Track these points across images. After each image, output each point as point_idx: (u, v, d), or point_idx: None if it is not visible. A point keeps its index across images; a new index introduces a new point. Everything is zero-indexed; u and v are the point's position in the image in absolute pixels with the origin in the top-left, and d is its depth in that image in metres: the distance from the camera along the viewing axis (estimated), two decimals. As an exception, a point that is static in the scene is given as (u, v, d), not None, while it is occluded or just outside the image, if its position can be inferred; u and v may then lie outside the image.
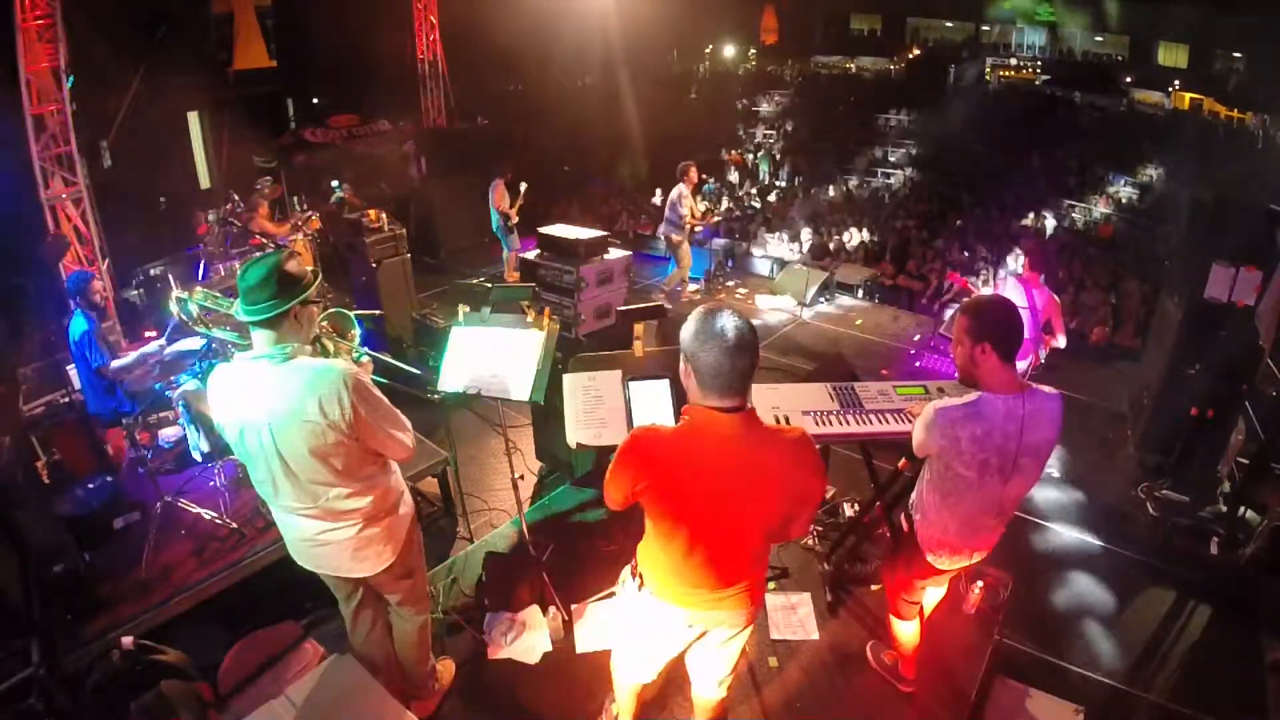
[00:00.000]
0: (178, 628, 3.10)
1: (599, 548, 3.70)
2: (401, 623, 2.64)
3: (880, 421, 2.83)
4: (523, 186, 7.56)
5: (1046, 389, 2.20)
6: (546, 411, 3.79)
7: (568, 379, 2.94)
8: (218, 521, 3.48)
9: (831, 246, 9.38)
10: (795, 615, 3.37)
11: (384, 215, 6.15)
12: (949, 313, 6.62)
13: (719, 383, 1.71)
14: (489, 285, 5.21)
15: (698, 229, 7.26)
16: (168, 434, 4.32)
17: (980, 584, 3.39)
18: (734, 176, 13.67)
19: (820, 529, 3.90)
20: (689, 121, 16.31)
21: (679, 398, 2.68)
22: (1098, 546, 3.98)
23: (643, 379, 2.88)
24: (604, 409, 2.85)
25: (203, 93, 9.40)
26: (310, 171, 10.02)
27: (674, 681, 2.76)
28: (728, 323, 1.68)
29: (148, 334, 5.68)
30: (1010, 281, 4.58)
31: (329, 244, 7.52)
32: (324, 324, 2.41)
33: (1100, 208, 12.10)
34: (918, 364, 6.26)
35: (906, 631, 2.81)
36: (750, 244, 9.42)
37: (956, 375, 2.35)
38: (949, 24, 23.98)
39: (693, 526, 1.84)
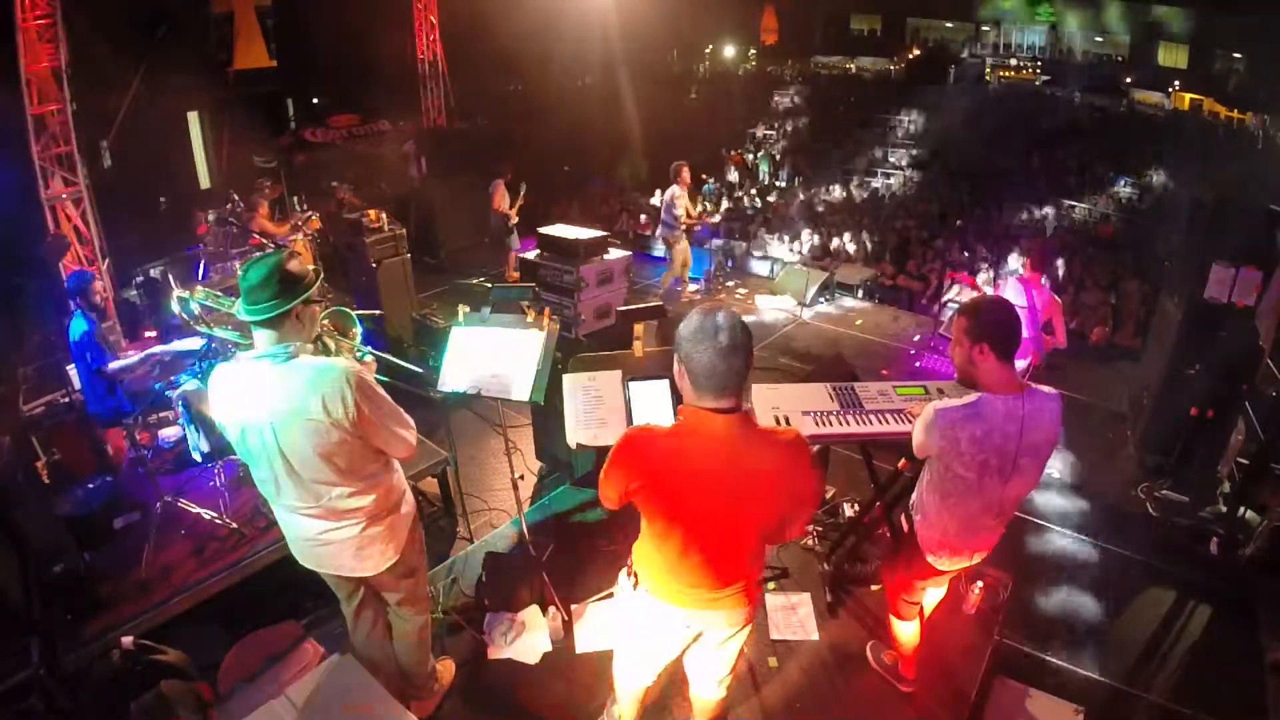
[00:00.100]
0: (178, 628, 3.10)
1: (599, 548, 3.70)
2: (401, 623, 2.63)
3: (880, 422, 2.83)
4: (522, 187, 7.56)
5: (1046, 389, 2.20)
6: (546, 411, 3.79)
7: (568, 379, 2.94)
8: (218, 521, 3.48)
9: (832, 247, 9.38)
10: (795, 615, 3.36)
11: (384, 215, 6.15)
12: (947, 313, 6.62)
13: (712, 384, 1.71)
14: (489, 285, 5.21)
15: (695, 228, 7.27)
16: (168, 434, 4.32)
17: (980, 584, 3.39)
18: (734, 176, 13.67)
19: (820, 529, 3.90)
20: (689, 121, 16.32)
21: (679, 398, 2.68)
22: (1098, 547, 3.98)
23: (643, 379, 2.88)
24: (604, 409, 2.85)
25: (203, 93, 9.41)
26: (310, 171, 10.02)
27: (674, 682, 2.76)
28: (721, 323, 1.68)
29: (147, 334, 5.69)
30: (1010, 281, 4.58)
31: (329, 244, 7.52)
32: (325, 322, 2.41)
33: (1100, 207, 12.10)
34: (918, 364, 6.25)
35: (906, 632, 2.81)
36: (750, 244, 9.42)
37: (955, 376, 2.36)
38: (949, 24, 23.98)
39: (686, 527, 1.84)
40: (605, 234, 4.18)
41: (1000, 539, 2.47)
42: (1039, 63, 22.00)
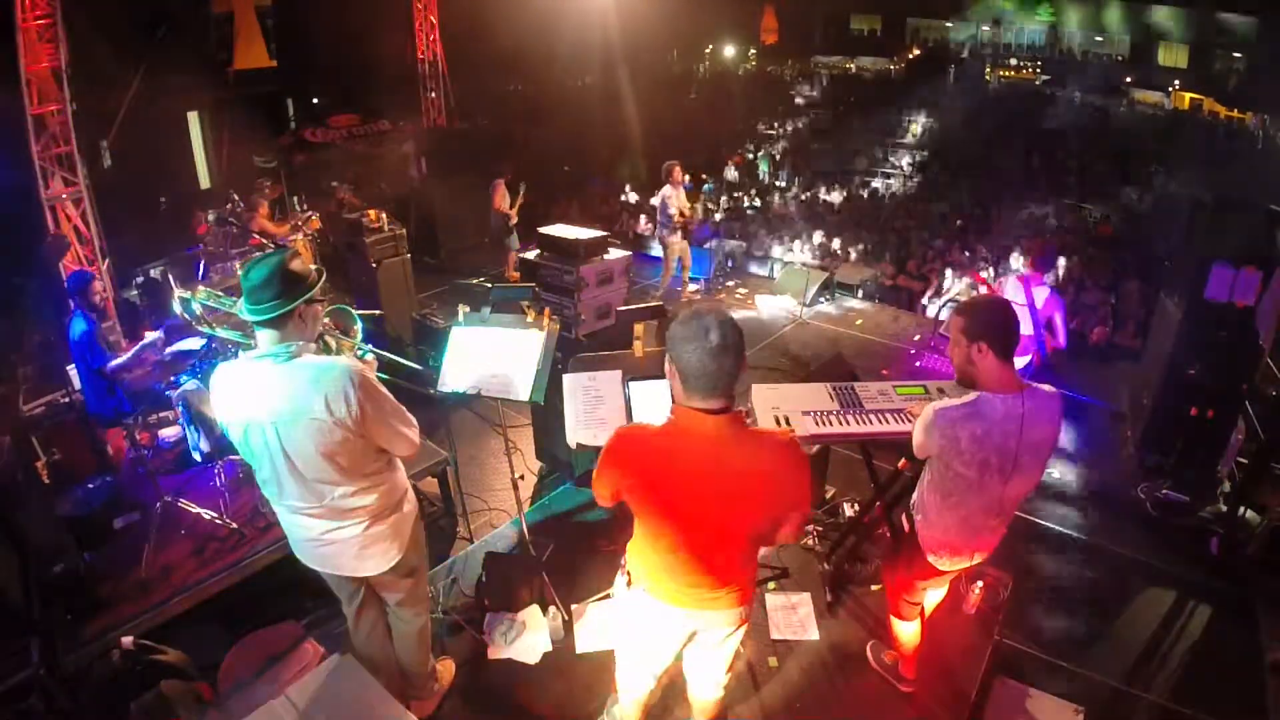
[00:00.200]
0: (178, 628, 3.10)
1: (599, 548, 3.70)
2: (400, 625, 2.63)
3: (880, 421, 2.83)
4: (521, 187, 7.56)
5: (1045, 388, 2.20)
6: (546, 411, 3.78)
7: (568, 379, 2.94)
8: (218, 521, 3.48)
9: (833, 247, 9.38)
10: (795, 615, 3.36)
11: (384, 215, 6.15)
12: (944, 312, 6.62)
13: (702, 384, 1.71)
14: (489, 285, 5.21)
15: (692, 227, 7.26)
16: (168, 434, 4.32)
17: (980, 584, 3.39)
18: (733, 175, 13.68)
19: (820, 529, 3.90)
20: (689, 121, 16.33)
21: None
22: (1098, 546, 3.98)
23: (643, 379, 2.88)
24: (604, 409, 2.85)
25: (203, 93, 9.42)
26: (310, 171, 10.03)
27: (675, 684, 2.76)
28: (711, 324, 1.68)
29: (147, 334, 5.69)
30: (1011, 279, 4.58)
31: (329, 244, 7.52)
32: (326, 321, 2.41)
33: (1100, 207, 12.11)
34: (918, 364, 6.25)
35: (907, 632, 2.80)
36: (750, 244, 9.42)
37: (955, 376, 2.35)
38: (949, 24, 23.99)
39: (676, 526, 1.83)
40: (605, 234, 4.17)
41: (1001, 539, 2.47)
42: (1039, 62, 22.01)
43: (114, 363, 3.81)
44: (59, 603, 2.97)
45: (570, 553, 3.67)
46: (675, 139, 13.39)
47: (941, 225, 10.46)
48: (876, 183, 13.84)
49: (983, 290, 7.67)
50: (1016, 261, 8.15)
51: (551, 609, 3.27)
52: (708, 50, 24.24)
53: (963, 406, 2.14)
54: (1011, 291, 4.38)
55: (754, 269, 8.91)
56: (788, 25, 24.73)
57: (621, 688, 2.40)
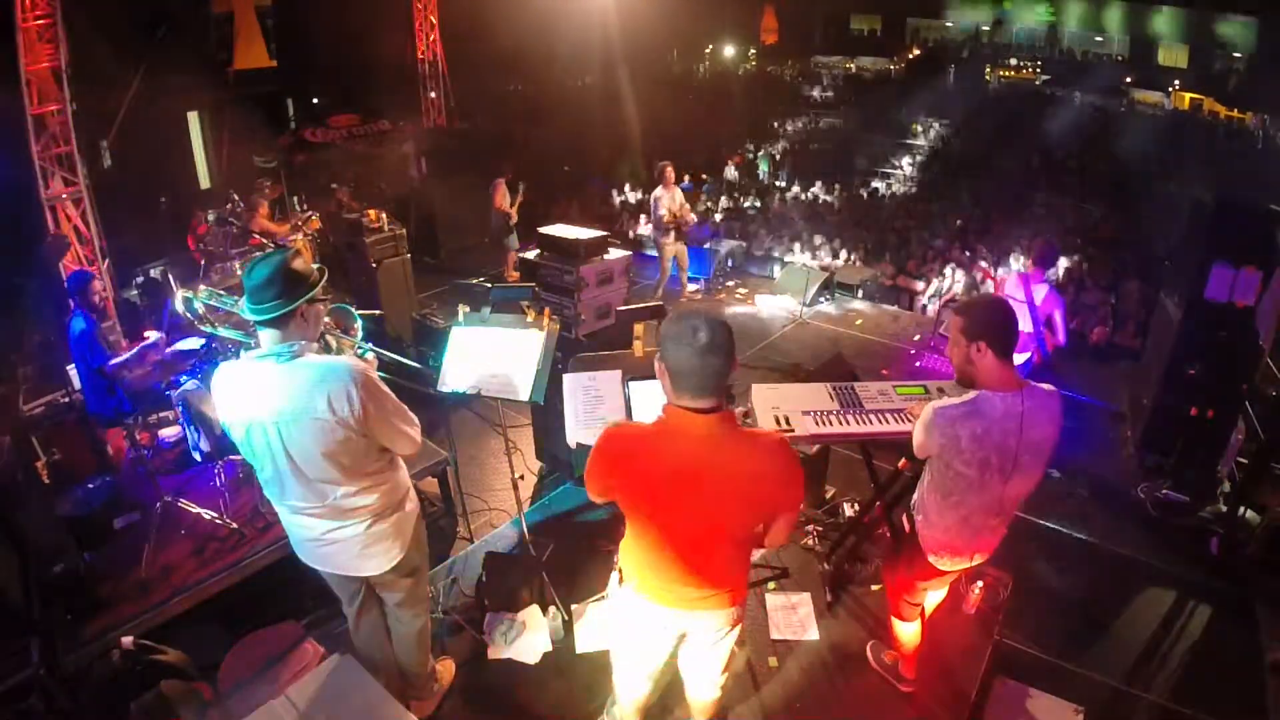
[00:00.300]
0: (178, 628, 3.10)
1: (599, 548, 3.70)
2: (400, 626, 2.63)
3: (880, 421, 2.83)
4: (521, 186, 7.56)
5: (1045, 386, 2.20)
6: (546, 411, 3.79)
7: (568, 379, 2.94)
8: (218, 521, 3.48)
9: (833, 247, 9.38)
10: (795, 615, 3.36)
11: (384, 215, 6.15)
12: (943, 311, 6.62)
13: (691, 383, 1.71)
14: (489, 285, 5.21)
15: (685, 228, 7.26)
16: (168, 434, 4.32)
17: (980, 584, 3.39)
18: (733, 175, 13.67)
19: (820, 529, 3.90)
20: (689, 121, 16.33)
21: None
22: (1098, 546, 3.98)
23: (643, 379, 2.87)
24: (604, 409, 2.85)
25: (203, 93, 9.41)
26: (310, 171, 10.02)
27: (676, 684, 2.76)
28: (700, 323, 1.67)
29: (147, 334, 5.68)
30: (1011, 276, 4.58)
31: (329, 244, 7.52)
32: (328, 320, 2.41)
33: (1099, 208, 12.11)
34: (918, 364, 6.26)
35: (907, 632, 2.80)
36: (750, 244, 9.42)
37: (954, 376, 2.35)
38: (949, 24, 24.00)
39: (664, 525, 1.83)
40: (605, 234, 4.17)
41: (1001, 540, 2.47)
42: (1039, 62, 22.01)
43: (114, 361, 3.81)
44: (59, 603, 2.96)
45: (570, 553, 3.67)
46: (675, 139, 13.39)
47: (941, 225, 10.46)
48: (877, 183, 13.83)
49: (987, 284, 7.67)
50: (1017, 262, 8.15)
51: (551, 609, 3.27)
52: (708, 50, 24.25)
53: (962, 405, 2.14)
54: (1012, 288, 4.38)
55: (754, 269, 8.91)
56: (788, 25, 24.75)
57: (619, 689, 2.40)
